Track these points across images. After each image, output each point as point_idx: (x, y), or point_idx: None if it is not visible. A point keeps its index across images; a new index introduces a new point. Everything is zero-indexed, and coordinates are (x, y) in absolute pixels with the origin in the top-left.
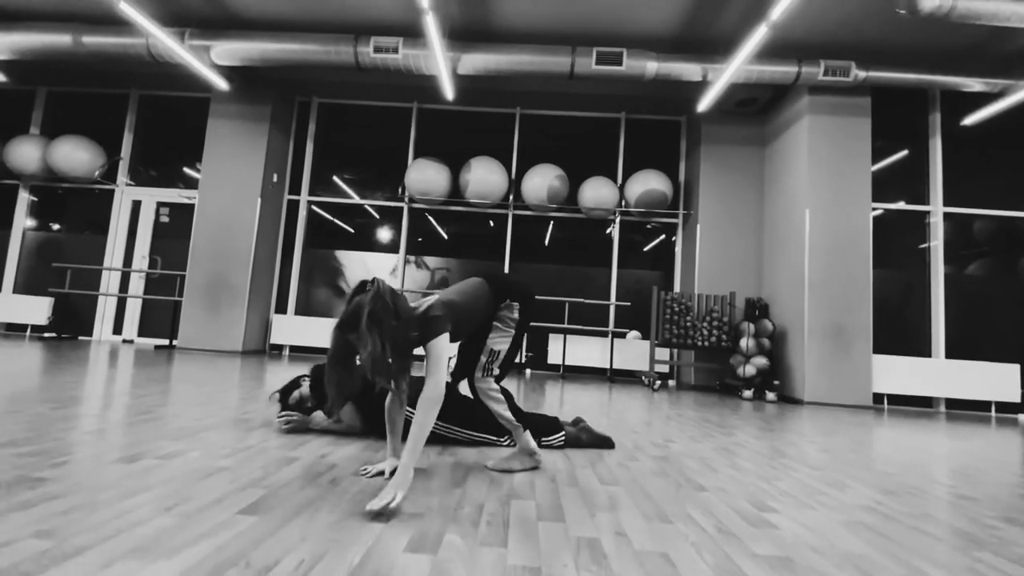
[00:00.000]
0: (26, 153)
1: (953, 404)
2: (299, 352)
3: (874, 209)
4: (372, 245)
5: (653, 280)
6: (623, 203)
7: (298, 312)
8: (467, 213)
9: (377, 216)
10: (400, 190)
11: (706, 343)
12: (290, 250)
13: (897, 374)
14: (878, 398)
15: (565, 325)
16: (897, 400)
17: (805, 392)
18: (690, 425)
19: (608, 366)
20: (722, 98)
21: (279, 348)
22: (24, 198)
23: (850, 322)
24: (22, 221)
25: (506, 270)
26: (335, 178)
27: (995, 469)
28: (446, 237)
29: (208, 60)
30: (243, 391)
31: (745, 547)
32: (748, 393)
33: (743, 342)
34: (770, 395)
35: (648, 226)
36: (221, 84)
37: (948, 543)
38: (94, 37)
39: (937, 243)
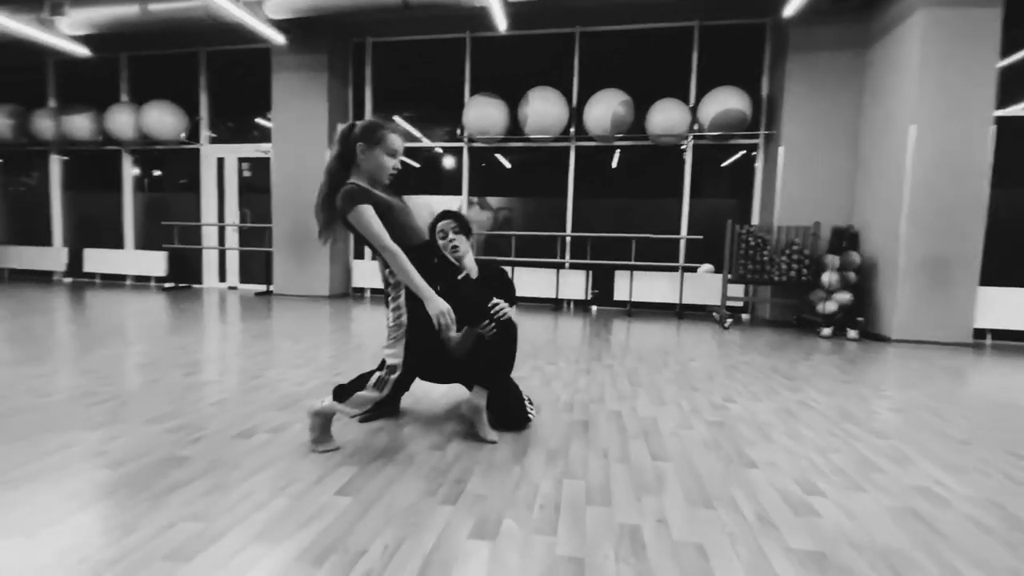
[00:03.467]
0: (121, 120)
1: None
2: (380, 293)
3: (999, 118)
4: (436, 187)
5: (729, 210)
6: (696, 127)
7: (374, 257)
8: (528, 149)
9: (440, 151)
10: (459, 130)
11: (784, 278)
12: None
13: (1007, 307)
14: (980, 334)
15: (632, 262)
16: (1005, 335)
17: (893, 329)
18: (755, 377)
19: (677, 302)
20: None
21: (360, 291)
22: (128, 162)
23: (955, 251)
24: (130, 184)
25: (569, 206)
26: (396, 118)
27: None
28: (509, 166)
29: (263, 15)
30: (333, 347)
31: (781, 539)
32: (827, 331)
33: (825, 276)
34: (852, 333)
35: (724, 149)
36: (277, 38)
37: (1000, 538)
38: (159, 4)
39: None
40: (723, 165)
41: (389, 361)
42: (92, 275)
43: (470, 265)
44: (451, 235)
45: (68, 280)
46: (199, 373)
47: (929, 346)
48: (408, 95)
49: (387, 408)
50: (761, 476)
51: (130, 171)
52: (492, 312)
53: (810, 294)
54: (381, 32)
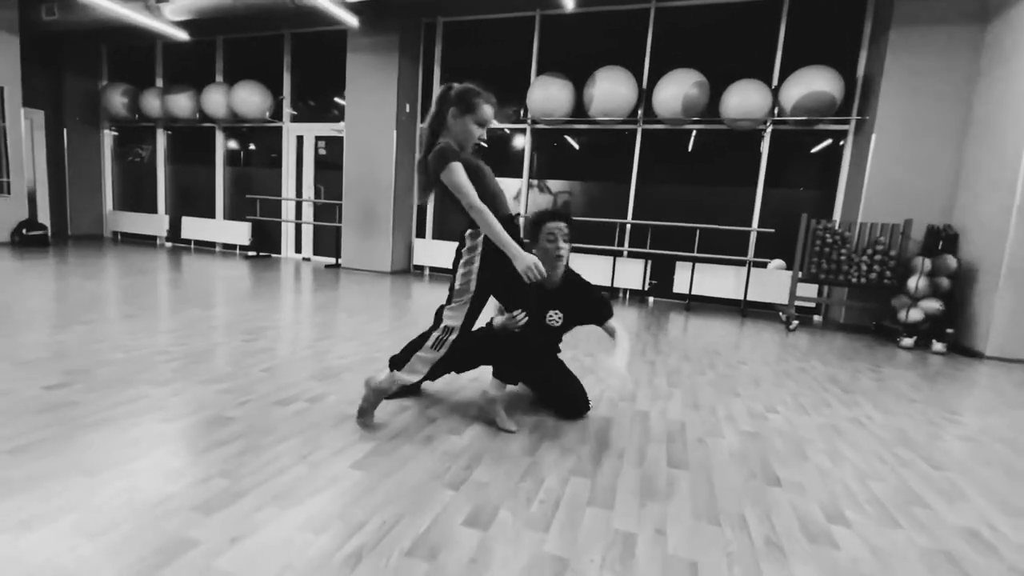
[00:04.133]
0: (215, 100)
1: None
2: (438, 272)
3: None
4: (498, 169)
5: (808, 202)
6: (776, 110)
7: (435, 236)
8: (592, 131)
9: (506, 132)
10: (522, 112)
11: (863, 279)
12: None
13: None
14: None
15: (695, 253)
16: None
17: (988, 344)
18: (809, 387)
19: (742, 298)
20: None
21: (420, 269)
22: (220, 138)
23: None
24: (222, 158)
25: (632, 191)
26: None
27: None
28: (577, 148)
29: None
30: (386, 322)
31: (786, 567)
32: (909, 341)
33: (912, 281)
34: (938, 346)
35: (809, 136)
36: (351, 21)
37: None
38: None
39: None
40: (811, 153)
41: (448, 323)
42: (188, 241)
43: (560, 274)
44: (561, 243)
45: (168, 245)
46: (259, 339)
47: None
48: (475, 75)
49: (410, 388)
50: (783, 496)
51: (222, 146)
52: (515, 315)
53: (892, 299)
54: (452, 11)
